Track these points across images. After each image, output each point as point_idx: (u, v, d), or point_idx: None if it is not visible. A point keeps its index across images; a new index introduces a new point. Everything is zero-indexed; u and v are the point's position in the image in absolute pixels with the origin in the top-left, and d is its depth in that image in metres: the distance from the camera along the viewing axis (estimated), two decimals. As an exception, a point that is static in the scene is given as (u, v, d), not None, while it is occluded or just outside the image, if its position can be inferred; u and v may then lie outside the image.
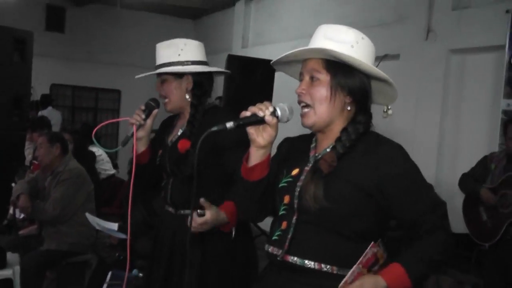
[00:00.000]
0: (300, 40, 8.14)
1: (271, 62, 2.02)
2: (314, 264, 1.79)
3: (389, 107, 1.96)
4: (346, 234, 1.78)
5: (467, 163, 4.64)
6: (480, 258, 4.56)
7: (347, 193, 1.77)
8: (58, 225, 4.56)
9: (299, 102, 1.88)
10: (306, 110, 1.86)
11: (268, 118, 1.78)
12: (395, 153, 1.82)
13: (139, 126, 2.60)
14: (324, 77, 1.84)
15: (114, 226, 4.45)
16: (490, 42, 5.65)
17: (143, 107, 2.62)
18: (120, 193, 6.73)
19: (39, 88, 9.60)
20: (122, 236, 4.28)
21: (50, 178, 4.68)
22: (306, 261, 1.80)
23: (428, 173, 6.00)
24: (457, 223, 4.67)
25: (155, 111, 2.64)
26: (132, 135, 2.59)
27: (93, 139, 2.58)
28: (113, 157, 7.96)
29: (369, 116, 1.92)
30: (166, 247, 2.71)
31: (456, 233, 4.98)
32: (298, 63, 1.94)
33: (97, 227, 4.33)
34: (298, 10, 8.85)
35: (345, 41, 1.83)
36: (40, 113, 9.12)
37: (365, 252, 1.74)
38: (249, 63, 6.22)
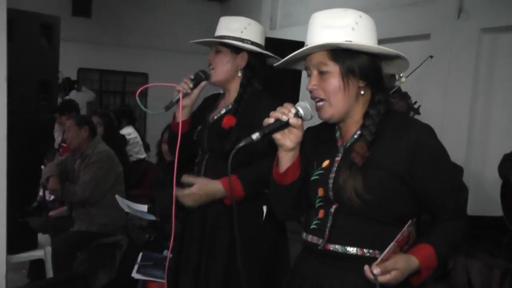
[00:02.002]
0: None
1: (274, 65, 2.01)
2: (356, 250, 1.79)
3: (401, 75, 1.93)
4: (385, 220, 1.78)
5: (497, 146, 4.57)
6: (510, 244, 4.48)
7: (383, 180, 1.75)
8: (88, 206, 4.60)
9: (313, 98, 1.83)
10: (321, 103, 1.82)
11: (293, 120, 1.74)
12: (424, 134, 1.78)
13: (185, 95, 2.61)
14: (332, 68, 1.79)
15: (144, 208, 4.47)
16: (524, 21, 5.52)
17: (191, 77, 2.63)
18: (150, 175, 6.76)
19: (66, 72, 9.69)
20: (152, 217, 4.30)
21: (79, 160, 4.72)
22: (348, 248, 1.80)
23: (458, 155, 5.99)
24: (487, 206, 4.61)
25: (204, 83, 2.65)
26: (177, 101, 2.60)
27: (137, 98, 2.59)
28: (144, 140, 7.99)
29: (387, 93, 1.88)
30: (196, 229, 2.70)
31: (486, 216, 4.93)
32: (303, 59, 1.90)
33: (127, 209, 4.35)
34: (326, -9, 8.74)
35: (344, 26, 1.76)
36: (66, 98, 9.20)
37: (403, 230, 1.72)
38: (277, 45, 6.15)
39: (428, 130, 1.79)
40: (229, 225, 2.60)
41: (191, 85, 2.61)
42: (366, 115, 1.83)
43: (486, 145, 5.87)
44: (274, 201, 2.01)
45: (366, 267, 1.64)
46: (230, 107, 2.68)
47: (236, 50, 2.65)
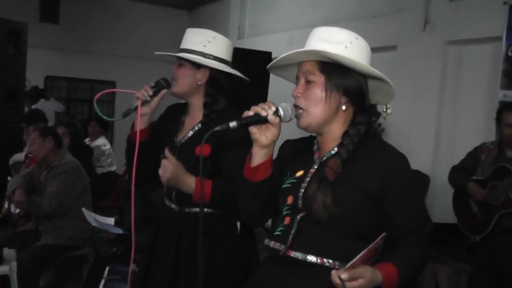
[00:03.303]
0: (296, 30, 8.12)
1: (267, 67, 2.03)
2: (316, 259, 1.82)
3: (388, 107, 1.98)
4: (348, 235, 1.82)
5: (463, 155, 4.64)
6: (472, 249, 4.56)
7: (352, 197, 1.80)
8: (54, 219, 4.54)
9: (295, 105, 1.88)
10: (300, 111, 1.87)
11: (271, 117, 1.79)
12: (400, 163, 1.85)
13: (144, 102, 2.55)
14: (318, 78, 1.85)
15: (111, 221, 4.43)
16: (487, 33, 5.66)
17: (152, 84, 2.57)
18: (118, 186, 6.72)
19: (33, 80, 9.55)
20: (119, 231, 4.26)
21: (46, 172, 4.65)
22: (308, 256, 1.83)
23: (425, 165, 6.08)
24: (452, 213, 4.69)
25: (164, 91, 2.59)
26: (135, 108, 2.53)
27: (95, 104, 2.54)
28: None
29: (369, 115, 1.93)
30: (170, 247, 2.64)
31: (452, 223, 5.01)
32: (293, 67, 1.95)
33: (94, 223, 4.31)
34: (294, 1, 8.83)
35: (339, 42, 1.83)
36: (33, 106, 9.09)
37: (376, 241, 1.74)
38: (245, 55, 6.14)
39: (403, 158, 1.86)
40: (206, 240, 2.53)
41: (150, 93, 2.54)
42: (345, 134, 1.88)
43: (452, 153, 5.94)
44: (242, 199, 2.02)
45: (333, 272, 1.66)
46: (197, 129, 2.63)
47: (197, 65, 2.59)
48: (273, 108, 1.81)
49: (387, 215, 1.84)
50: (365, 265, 1.72)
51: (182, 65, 2.61)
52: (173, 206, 2.69)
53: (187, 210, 2.62)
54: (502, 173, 4.14)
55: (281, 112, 1.82)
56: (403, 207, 1.83)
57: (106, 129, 7.83)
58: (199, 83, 2.61)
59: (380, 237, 1.75)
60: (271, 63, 1.97)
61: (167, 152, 2.48)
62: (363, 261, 1.71)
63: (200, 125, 2.63)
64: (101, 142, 7.20)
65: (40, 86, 10.62)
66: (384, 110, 1.95)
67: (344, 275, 1.63)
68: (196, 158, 2.43)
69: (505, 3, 5.30)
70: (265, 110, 1.80)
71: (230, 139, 2.45)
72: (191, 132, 2.66)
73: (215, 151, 2.44)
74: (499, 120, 4.28)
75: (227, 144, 2.49)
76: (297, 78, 1.92)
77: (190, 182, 2.46)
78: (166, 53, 2.71)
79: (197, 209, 2.55)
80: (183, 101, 2.79)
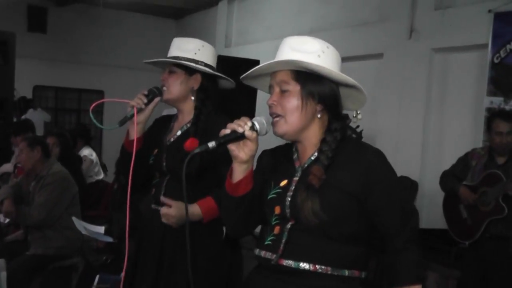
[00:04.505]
0: (282, 39, 8.16)
1: (241, 77, 2.06)
2: (309, 266, 1.84)
3: (358, 112, 2.02)
4: (338, 238, 1.85)
5: (451, 161, 4.68)
6: (460, 255, 4.59)
7: (339, 200, 1.83)
8: (43, 229, 4.52)
9: (271, 113, 1.92)
10: (277, 119, 1.90)
11: (248, 133, 1.82)
12: (377, 159, 1.89)
13: (139, 110, 2.57)
14: (293, 87, 1.88)
15: (101, 229, 4.43)
16: (473, 41, 5.74)
17: (146, 92, 2.61)
18: (106, 195, 6.69)
19: (21, 90, 9.50)
20: (109, 239, 4.26)
21: (34, 182, 4.64)
22: (301, 264, 1.85)
23: (412, 172, 6.12)
24: (440, 219, 4.72)
25: (157, 99, 2.62)
26: (131, 116, 2.56)
27: (91, 114, 2.55)
28: (100, 160, 7.90)
29: (344, 121, 1.97)
30: (154, 249, 2.67)
31: (440, 229, 5.05)
32: (266, 76, 1.98)
33: (84, 232, 4.30)
34: (281, 9, 8.88)
35: (311, 51, 1.87)
36: (22, 117, 9.05)
37: None
38: (232, 63, 6.18)
39: (379, 154, 1.90)
40: (190, 245, 2.58)
41: (145, 101, 2.58)
42: (323, 141, 1.91)
43: (439, 160, 5.99)
44: (225, 213, 2.05)
45: None
46: (186, 128, 2.69)
47: (190, 71, 2.66)
48: (249, 124, 1.83)
49: (373, 213, 1.88)
50: None
51: (174, 73, 2.67)
52: (159, 208, 2.65)
53: None
54: (493, 180, 4.19)
55: (257, 126, 1.85)
56: (388, 203, 1.88)
57: (89, 140, 7.73)
58: (192, 89, 2.69)
59: None
60: (245, 74, 2.00)
61: (163, 198, 2.55)
62: None
63: (188, 124, 2.70)
64: (87, 152, 7.17)
65: (28, 96, 10.57)
66: (355, 115, 1.99)
67: None
68: (185, 152, 2.48)
69: (490, 11, 5.37)
70: (241, 126, 1.82)
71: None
72: (179, 131, 2.72)
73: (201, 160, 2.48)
74: (489, 127, 4.32)
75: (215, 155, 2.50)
76: (271, 87, 1.95)
77: (196, 211, 2.54)
78: (158, 60, 2.74)
79: None
80: (171, 113, 2.85)
